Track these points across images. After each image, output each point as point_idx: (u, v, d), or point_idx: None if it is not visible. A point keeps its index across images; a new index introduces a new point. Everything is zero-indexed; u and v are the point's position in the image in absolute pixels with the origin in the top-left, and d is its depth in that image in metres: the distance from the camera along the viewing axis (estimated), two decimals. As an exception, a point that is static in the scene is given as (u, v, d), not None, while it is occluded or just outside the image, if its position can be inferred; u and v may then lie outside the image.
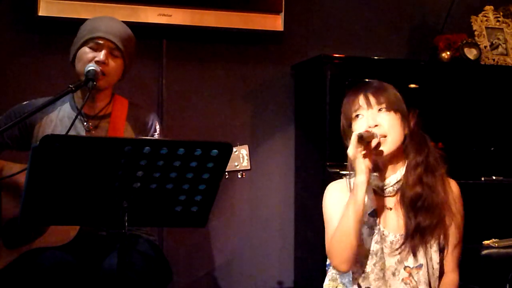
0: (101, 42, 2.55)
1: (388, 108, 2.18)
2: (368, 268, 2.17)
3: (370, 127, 2.14)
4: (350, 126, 2.20)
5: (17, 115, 2.55)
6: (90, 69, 2.50)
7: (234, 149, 2.56)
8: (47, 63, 3.48)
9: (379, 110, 2.17)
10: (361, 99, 2.18)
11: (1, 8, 3.45)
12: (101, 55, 2.54)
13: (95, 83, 2.49)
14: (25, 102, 2.67)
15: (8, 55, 3.47)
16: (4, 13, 3.45)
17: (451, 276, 2.24)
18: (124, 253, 1.93)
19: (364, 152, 2.09)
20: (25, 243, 2.51)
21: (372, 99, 2.18)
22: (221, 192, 2.00)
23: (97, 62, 2.53)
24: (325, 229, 2.23)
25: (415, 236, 2.16)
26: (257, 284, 3.80)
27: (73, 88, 2.45)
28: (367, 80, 2.31)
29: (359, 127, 2.17)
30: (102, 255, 2.49)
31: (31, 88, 3.38)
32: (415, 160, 2.20)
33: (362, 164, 2.09)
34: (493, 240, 3.23)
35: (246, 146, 2.59)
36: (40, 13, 3.34)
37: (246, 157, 2.58)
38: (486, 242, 3.23)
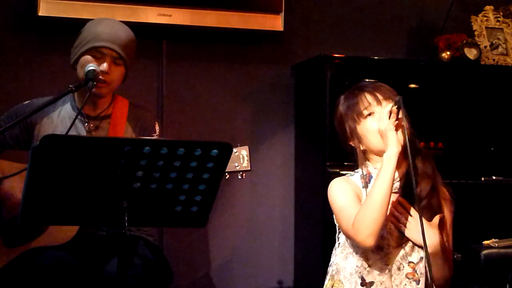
0: (104, 52, 2.54)
1: (393, 104, 2.18)
2: (373, 263, 2.18)
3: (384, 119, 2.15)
4: (351, 114, 2.23)
5: (18, 115, 2.55)
6: (90, 69, 2.50)
7: (234, 150, 2.56)
8: (47, 63, 3.48)
9: (391, 102, 2.19)
10: (369, 98, 2.22)
11: (1, 8, 3.45)
12: (104, 66, 2.53)
13: (95, 83, 2.49)
14: (26, 102, 2.67)
15: (8, 55, 3.47)
16: (4, 13, 3.45)
17: None
18: (124, 257, 1.93)
19: (396, 122, 2.11)
20: (25, 242, 2.51)
21: (379, 96, 2.22)
22: (221, 192, 2.00)
23: (101, 72, 2.53)
24: (341, 217, 2.20)
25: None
26: (257, 284, 3.80)
27: (73, 88, 2.45)
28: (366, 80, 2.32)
29: (374, 122, 2.19)
30: (102, 256, 2.49)
31: (31, 88, 3.38)
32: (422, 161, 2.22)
33: (395, 136, 2.10)
34: (493, 240, 3.23)
35: (247, 147, 2.58)
36: (40, 13, 3.34)
37: (246, 158, 2.57)
38: (486, 242, 3.23)
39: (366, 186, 2.24)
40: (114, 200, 1.87)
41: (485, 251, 3.16)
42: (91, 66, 2.50)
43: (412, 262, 2.19)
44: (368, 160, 2.26)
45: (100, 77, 2.52)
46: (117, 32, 2.57)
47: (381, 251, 2.18)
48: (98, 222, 2.11)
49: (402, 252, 2.19)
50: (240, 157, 2.57)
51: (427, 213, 2.19)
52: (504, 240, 3.23)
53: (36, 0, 3.33)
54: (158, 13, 3.51)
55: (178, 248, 3.65)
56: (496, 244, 3.20)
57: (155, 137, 2.68)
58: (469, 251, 3.18)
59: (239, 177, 2.60)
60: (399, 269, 2.18)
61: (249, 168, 2.59)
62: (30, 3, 3.37)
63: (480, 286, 3.09)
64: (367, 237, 2.09)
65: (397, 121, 2.11)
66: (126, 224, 1.87)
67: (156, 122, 2.73)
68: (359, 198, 2.22)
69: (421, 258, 2.19)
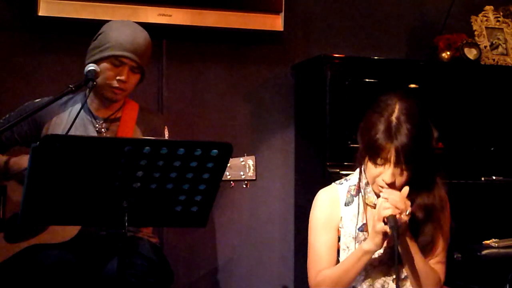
0: (125, 61, 2.56)
1: (409, 170, 2.13)
2: (357, 284, 2.19)
3: (384, 180, 2.12)
4: (369, 148, 2.15)
5: (27, 112, 2.56)
6: (90, 69, 2.50)
7: (241, 159, 2.58)
8: (47, 63, 3.48)
9: (402, 170, 2.13)
10: (392, 155, 2.10)
11: (1, 8, 3.45)
12: (123, 76, 2.56)
13: (95, 82, 2.49)
14: (37, 100, 2.68)
15: (8, 55, 3.46)
16: (4, 13, 3.45)
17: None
18: (125, 256, 1.93)
19: (387, 233, 2.08)
20: (26, 239, 2.51)
21: (402, 158, 2.09)
22: (221, 194, 2.00)
23: (118, 81, 2.54)
24: (310, 252, 2.24)
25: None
26: (257, 285, 3.79)
27: (73, 88, 2.45)
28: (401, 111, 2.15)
29: (378, 172, 2.13)
30: (102, 255, 2.49)
31: (31, 88, 3.38)
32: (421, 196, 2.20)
33: (380, 240, 2.10)
34: (493, 240, 3.23)
35: (253, 157, 2.59)
36: (40, 13, 3.34)
37: (252, 168, 2.58)
38: (486, 242, 3.23)
39: (349, 203, 2.23)
40: (114, 200, 1.87)
41: (485, 251, 3.16)
42: (91, 66, 2.51)
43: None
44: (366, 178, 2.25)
45: (118, 85, 2.57)
46: (138, 41, 2.59)
47: (364, 270, 2.18)
48: (98, 222, 2.11)
49: (384, 269, 2.20)
50: (246, 167, 2.57)
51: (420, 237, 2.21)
52: (504, 240, 3.23)
53: (36, 0, 3.33)
54: (158, 13, 3.51)
55: (178, 248, 3.64)
56: (496, 244, 3.20)
57: None
58: (469, 251, 3.18)
59: (244, 186, 2.60)
60: (383, 287, 2.19)
61: (255, 178, 2.59)
62: (30, 3, 3.37)
63: (480, 286, 3.09)
64: None
65: (388, 233, 2.08)
66: (126, 224, 1.87)
67: (166, 127, 2.74)
68: (335, 238, 2.22)
69: (406, 277, 2.19)
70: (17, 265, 2.46)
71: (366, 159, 2.16)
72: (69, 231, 2.48)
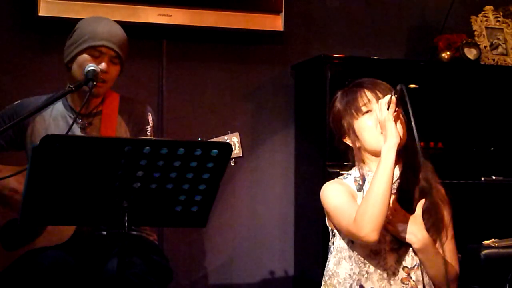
0: (103, 51, 2.53)
1: (393, 93, 2.17)
2: (372, 269, 2.16)
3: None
4: (349, 116, 2.22)
5: (8, 115, 2.55)
6: (90, 69, 2.49)
7: (225, 137, 2.56)
8: (47, 63, 3.48)
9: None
10: (369, 94, 2.21)
11: (1, 8, 3.45)
12: (104, 65, 2.53)
13: (95, 83, 2.49)
14: (16, 102, 2.64)
15: (8, 55, 3.47)
16: (4, 13, 3.46)
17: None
18: (125, 255, 1.93)
19: (395, 113, 2.08)
20: (23, 245, 2.50)
21: (379, 93, 2.20)
22: (221, 191, 2.00)
23: (100, 71, 2.52)
24: (339, 217, 2.17)
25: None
26: (257, 283, 3.80)
27: (73, 88, 2.45)
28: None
29: (371, 120, 2.17)
30: (102, 255, 2.49)
31: (31, 88, 3.37)
32: (415, 161, 2.20)
33: (394, 128, 2.07)
34: (493, 240, 3.23)
35: (237, 134, 2.57)
36: (40, 13, 3.34)
37: (237, 144, 2.56)
38: (486, 242, 3.23)
39: (360, 189, 2.22)
40: (114, 200, 1.87)
41: (485, 251, 3.15)
42: (91, 66, 2.49)
43: (407, 267, 2.18)
44: (363, 161, 2.25)
45: (100, 76, 2.52)
46: (114, 30, 2.57)
47: (378, 255, 2.16)
48: (98, 222, 2.11)
49: (396, 256, 2.18)
50: (232, 144, 2.55)
51: (426, 219, 2.18)
52: (504, 240, 3.23)
53: (36, 0, 3.33)
54: (158, 13, 3.51)
55: (178, 248, 3.65)
56: (496, 244, 3.19)
57: (149, 129, 2.67)
58: (469, 251, 3.17)
59: (232, 163, 2.57)
60: (394, 274, 2.17)
61: (241, 155, 2.56)
62: (30, 3, 3.37)
63: (480, 286, 3.09)
64: (371, 232, 2.04)
65: (395, 112, 2.08)
66: (126, 224, 1.87)
67: (149, 113, 2.71)
68: (354, 199, 2.19)
69: (417, 264, 2.18)
70: (16, 268, 2.45)
71: (357, 134, 2.19)
72: (64, 233, 2.47)
